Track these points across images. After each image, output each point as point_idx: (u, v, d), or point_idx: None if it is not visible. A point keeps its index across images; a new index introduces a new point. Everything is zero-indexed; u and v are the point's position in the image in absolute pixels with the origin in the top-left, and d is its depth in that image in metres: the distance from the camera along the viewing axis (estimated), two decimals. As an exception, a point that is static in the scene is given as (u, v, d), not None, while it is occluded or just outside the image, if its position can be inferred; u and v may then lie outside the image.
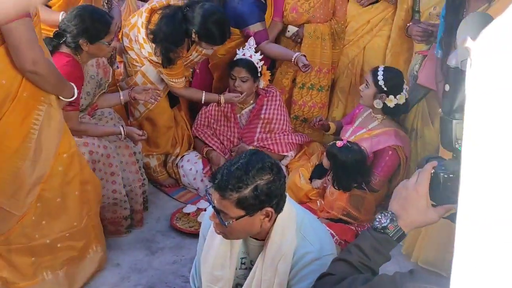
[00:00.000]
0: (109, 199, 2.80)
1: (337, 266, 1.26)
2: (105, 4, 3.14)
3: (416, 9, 3.11)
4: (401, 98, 2.94)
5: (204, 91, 3.31)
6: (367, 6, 3.38)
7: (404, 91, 2.96)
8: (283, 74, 3.64)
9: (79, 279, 2.53)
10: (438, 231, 2.46)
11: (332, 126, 3.41)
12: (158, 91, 3.10)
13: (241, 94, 3.27)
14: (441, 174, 1.13)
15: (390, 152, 2.95)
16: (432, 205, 1.16)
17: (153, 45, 2.97)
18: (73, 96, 2.26)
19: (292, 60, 3.26)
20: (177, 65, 3.00)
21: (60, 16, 2.74)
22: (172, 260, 2.80)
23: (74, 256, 2.47)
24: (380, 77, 2.93)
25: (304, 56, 3.25)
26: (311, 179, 3.12)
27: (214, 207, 1.57)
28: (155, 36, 2.90)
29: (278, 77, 3.64)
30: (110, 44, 2.63)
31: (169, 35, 2.85)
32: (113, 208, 2.84)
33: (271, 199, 1.54)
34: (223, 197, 1.52)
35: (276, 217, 1.62)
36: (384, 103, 2.96)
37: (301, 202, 3.10)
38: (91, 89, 2.81)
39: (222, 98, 3.30)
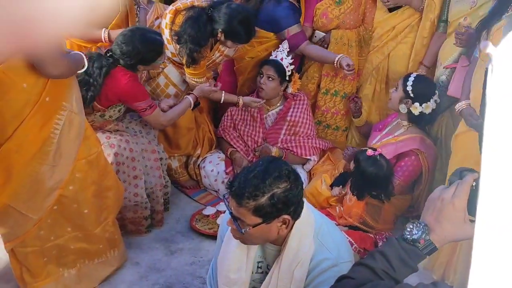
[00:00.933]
0: (131, 202, 2.84)
1: (358, 271, 1.21)
2: (137, 12, 3.19)
3: (443, 19, 3.07)
4: (426, 108, 2.93)
5: (223, 91, 3.34)
6: (391, 7, 3.32)
7: (432, 101, 2.93)
8: (309, 79, 3.63)
9: (95, 279, 2.57)
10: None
11: (363, 117, 3.40)
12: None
13: (262, 99, 3.34)
14: None
15: (413, 157, 2.93)
16: (471, 220, 1.07)
17: (177, 46, 3.01)
18: (84, 65, 2.25)
19: (335, 63, 3.27)
20: (200, 65, 3.05)
21: (103, 33, 2.80)
22: (190, 261, 2.82)
23: (87, 257, 2.50)
24: (409, 83, 2.95)
25: (347, 57, 3.26)
26: (332, 186, 3.11)
27: (231, 213, 1.58)
28: (179, 37, 2.95)
29: (304, 81, 3.63)
30: (163, 62, 2.81)
31: (194, 37, 2.89)
32: (134, 208, 2.88)
33: (288, 207, 1.54)
34: (240, 205, 1.52)
35: (294, 223, 1.62)
36: (409, 110, 2.94)
37: (321, 207, 3.10)
38: None
39: (241, 100, 3.34)
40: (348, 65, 3.18)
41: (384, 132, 3.15)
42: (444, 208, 1.09)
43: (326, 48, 3.48)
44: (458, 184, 1.08)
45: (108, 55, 2.66)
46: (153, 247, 2.92)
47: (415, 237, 1.12)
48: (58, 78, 2.08)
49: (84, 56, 2.26)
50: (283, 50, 3.31)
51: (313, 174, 3.39)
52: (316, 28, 3.50)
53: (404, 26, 3.32)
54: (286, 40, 3.35)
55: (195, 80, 3.14)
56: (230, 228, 1.67)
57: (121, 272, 2.69)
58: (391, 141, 3.03)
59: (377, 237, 2.86)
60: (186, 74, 3.14)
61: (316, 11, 3.45)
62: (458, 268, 2.54)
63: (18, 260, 2.37)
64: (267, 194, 1.50)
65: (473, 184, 1.07)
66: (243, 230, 1.55)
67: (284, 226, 1.58)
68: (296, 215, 1.59)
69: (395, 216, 3.05)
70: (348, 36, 3.42)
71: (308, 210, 1.67)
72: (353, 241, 2.73)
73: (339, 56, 3.25)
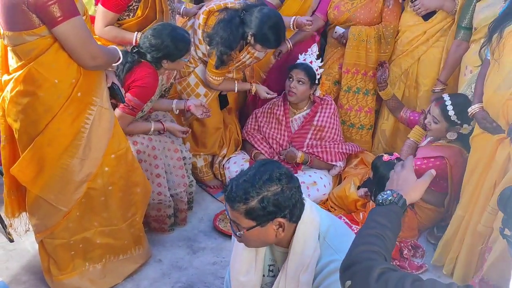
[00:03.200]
0: (154, 200, 2.85)
1: (368, 238, 1.30)
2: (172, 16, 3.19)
3: (463, 25, 2.98)
4: (474, 123, 2.71)
5: (236, 82, 3.33)
6: (423, 15, 3.26)
7: None
8: (325, 76, 3.58)
9: (119, 274, 2.59)
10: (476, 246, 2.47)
11: (390, 89, 3.33)
12: (209, 113, 3.13)
13: (274, 94, 3.33)
14: None
15: (439, 160, 2.81)
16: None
17: (206, 46, 3.03)
18: (119, 59, 2.30)
19: (291, 25, 3.28)
20: (224, 68, 3.08)
21: (134, 36, 2.83)
22: (212, 260, 2.82)
23: (112, 252, 2.54)
24: (451, 112, 2.79)
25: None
26: (360, 187, 3.07)
27: (229, 217, 1.59)
28: (211, 39, 2.97)
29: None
30: (188, 60, 2.78)
31: (226, 39, 2.91)
32: (158, 207, 2.89)
33: (281, 209, 1.52)
34: (232, 208, 1.53)
35: (296, 226, 1.60)
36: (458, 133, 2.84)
37: (348, 210, 3.07)
38: (155, 96, 2.86)
39: (254, 86, 3.34)
40: (307, 20, 3.26)
41: (423, 144, 3.07)
42: (400, 175, 1.44)
43: (345, 44, 3.44)
44: (404, 162, 1.47)
45: (134, 51, 2.68)
46: (175, 245, 2.94)
47: (389, 198, 1.36)
48: (95, 69, 2.15)
49: (119, 50, 2.30)
50: (312, 54, 3.30)
51: (344, 178, 3.36)
52: (330, 20, 3.51)
53: (436, 30, 3.25)
54: (315, 44, 3.33)
55: (214, 78, 3.15)
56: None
57: (144, 269, 2.71)
58: (431, 145, 2.97)
59: (402, 244, 2.82)
60: (207, 70, 3.15)
61: (331, 4, 3.47)
62: (461, 264, 2.57)
63: (47, 252, 2.42)
64: (257, 198, 1.49)
65: None
66: (238, 233, 1.56)
67: (280, 229, 1.56)
68: (294, 217, 1.57)
69: (423, 225, 2.99)
70: (367, 33, 3.38)
71: (312, 212, 1.63)
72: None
73: (293, 18, 3.27)
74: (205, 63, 3.21)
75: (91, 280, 2.50)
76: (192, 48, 3.17)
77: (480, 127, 2.47)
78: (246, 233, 1.55)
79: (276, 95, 3.38)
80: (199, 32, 3.07)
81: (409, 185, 1.40)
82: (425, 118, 3.04)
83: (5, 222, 2.64)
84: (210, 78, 3.16)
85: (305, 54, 3.32)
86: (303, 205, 1.60)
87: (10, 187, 2.40)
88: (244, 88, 3.38)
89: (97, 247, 2.47)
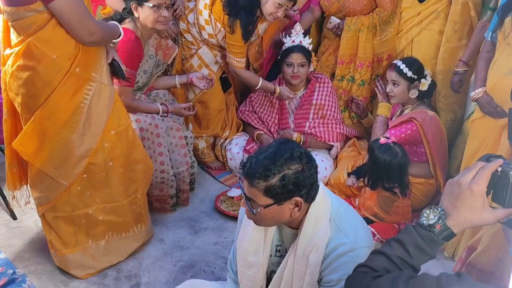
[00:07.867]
0: (157, 178, 2.87)
1: (374, 259, 1.19)
2: None
3: (490, 6, 2.85)
4: (429, 77, 3.05)
5: (261, 78, 3.34)
6: None
7: (426, 70, 3.05)
8: (323, 68, 3.56)
9: (121, 252, 2.62)
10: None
11: (369, 118, 3.39)
12: (212, 82, 3.17)
13: (295, 94, 3.38)
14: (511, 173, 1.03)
15: (412, 123, 2.91)
16: (492, 206, 1.05)
17: (215, 26, 3.01)
18: (120, 34, 2.30)
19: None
20: (244, 45, 3.10)
21: None
22: (214, 241, 2.85)
23: (115, 230, 2.56)
24: (405, 70, 3.00)
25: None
26: (350, 175, 3.08)
27: (244, 194, 1.58)
28: (232, 7, 2.95)
29: (317, 70, 3.56)
30: (158, 9, 2.63)
31: (250, 2, 2.93)
32: (160, 186, 2.92)
33: (300, 189, 1.52)
34: (251, 185, 1.53)
35: (309, 207, 1.61)
36: (419, 90, 3.02)
37: (347, 195, 3.08)
38: (149, 68, 2.88)
39: (278, 89, 3.34)
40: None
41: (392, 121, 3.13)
42: (462, 193, 1.06)
43: (340, 34, 3.38)
44: (479, 169, 1.05)
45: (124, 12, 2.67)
46: (177, 225, 2.96)
47: (431, 222, 1.09)
48: (93, 45, 2.15)
49: (120, 26, 2.30)
50: (297, 34, 3.26)
51: (339, 160, 3.36)
52: (323, 10, 3.45)
53: (429, 12, 3.18)
54: (298, 23, 3.30)
55: (236, 60, 3.14)
56: (244, 211, 1.68)
57: (146, 248, 2.74)
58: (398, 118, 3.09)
59: (401, 227, 2.84)
60: (228, 55, 3.14)
61: None
62: (463, 247, 2.52)
63: (49, 225, 2.45)
64: (278, 175, 1.49)
65: (499, 170, 1.04)
66: (254, 211, 1.55)
67: (296, 208, 1.57)
68: (309, 198, 1.57)
69: (421, 202, 3.00)
70: (362, 21, 3.31)
71: (324, 194, 1.65)
72: (375, 232, 2.71)
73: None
74: (208, 44, 3.20)
75: (94, 257, 2.53)
76: (195, 30, 3.17)
77: (483, 112, 2.43)
78: (262, 211, 1.54)
79: (297, 96, 3.40)
80: (206, 12, 3.06)
81: (470, 213, 1.06)
82: (384, 90, 3.22)
83: (8, 198, 2.65)
84: (234, 61, 3.15)
85: (289, 36, 3.28)
86: (318, 186, 1.61)
87: (11, 160, 2.43)
88: (267, 87, 3.35)
89: (100, 223, 2.50)
